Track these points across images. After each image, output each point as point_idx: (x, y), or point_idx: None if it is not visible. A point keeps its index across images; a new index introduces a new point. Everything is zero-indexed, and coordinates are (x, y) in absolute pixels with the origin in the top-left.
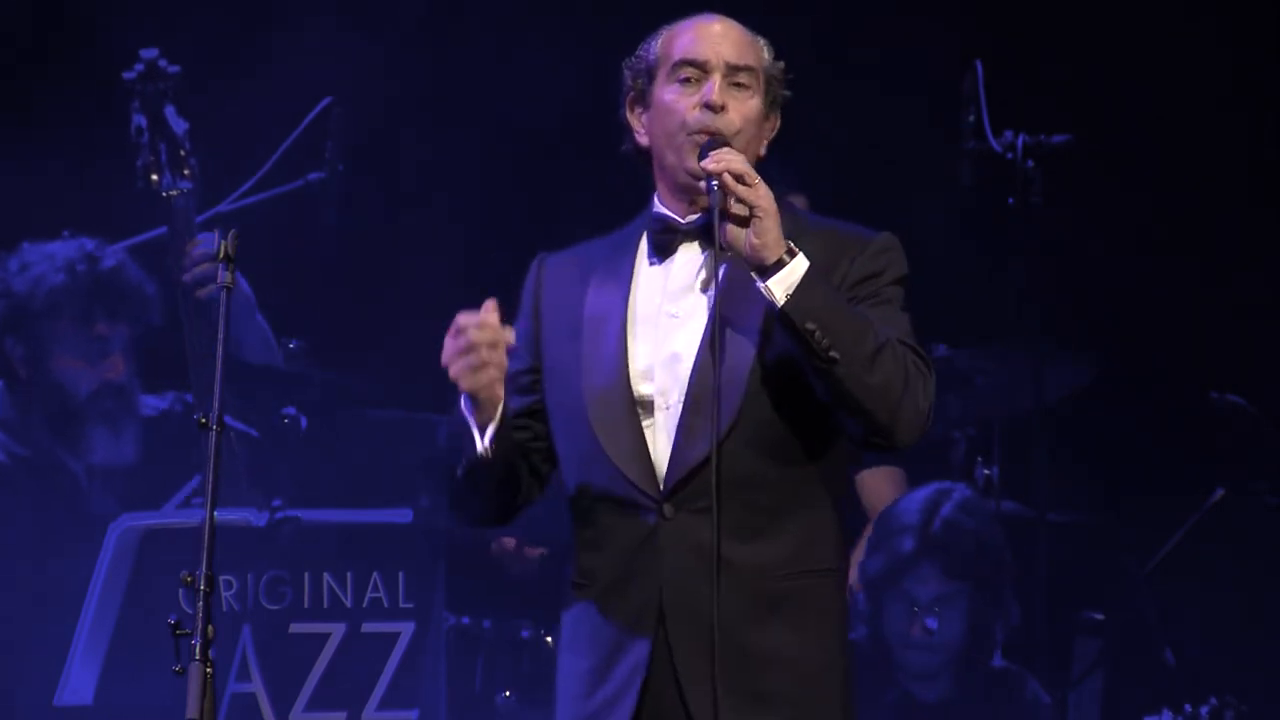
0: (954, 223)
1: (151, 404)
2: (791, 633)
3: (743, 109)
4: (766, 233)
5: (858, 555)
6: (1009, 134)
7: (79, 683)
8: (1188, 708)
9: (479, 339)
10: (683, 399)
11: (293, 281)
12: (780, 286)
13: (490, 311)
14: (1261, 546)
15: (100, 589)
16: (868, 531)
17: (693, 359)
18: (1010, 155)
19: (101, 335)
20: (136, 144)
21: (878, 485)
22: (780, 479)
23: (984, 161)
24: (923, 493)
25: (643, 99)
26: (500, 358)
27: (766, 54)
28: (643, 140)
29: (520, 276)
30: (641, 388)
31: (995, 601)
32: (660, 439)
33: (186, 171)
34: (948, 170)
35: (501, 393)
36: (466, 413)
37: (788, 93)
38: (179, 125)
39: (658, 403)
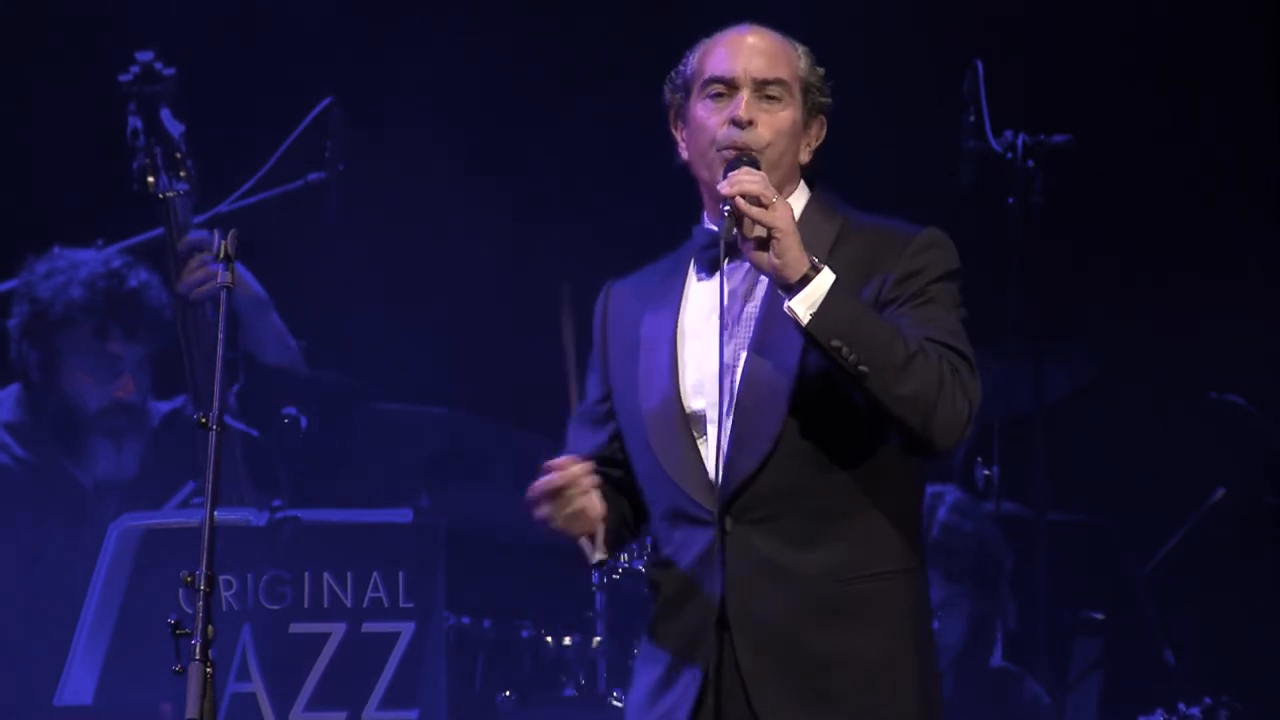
0: (954, 223)
1: (160, 408)
2: (854, 635)
3: (774, 122)
4: (786, 251)
5: None
6: (1009, 134)
7: (79, 683)
8: (1181, 707)
9: (566, 481)
10: (731, 411)
11: (293, 281)
12: (803, 305)
13: (575, 461)
14: (1261, 546)
15: (100, 589)
16: None
17: (741, 371)
18: (1010, 155)
19: (114, 354)
20: (132, 146)
21: None
22: (832, 485)
23: (984, 161)
24: None
25: (682, 115)
26: (589, 497)
27: (803, 62)
28: (684, 155)
29: (522, 276)
30: (693, 403)
31: (995, 601)
32: (714, 452)
33: (183, 173)
34: (948, 170)
35: (597, 516)
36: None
37: (827, 99)
38: (175, 127)
39: (709, 416)
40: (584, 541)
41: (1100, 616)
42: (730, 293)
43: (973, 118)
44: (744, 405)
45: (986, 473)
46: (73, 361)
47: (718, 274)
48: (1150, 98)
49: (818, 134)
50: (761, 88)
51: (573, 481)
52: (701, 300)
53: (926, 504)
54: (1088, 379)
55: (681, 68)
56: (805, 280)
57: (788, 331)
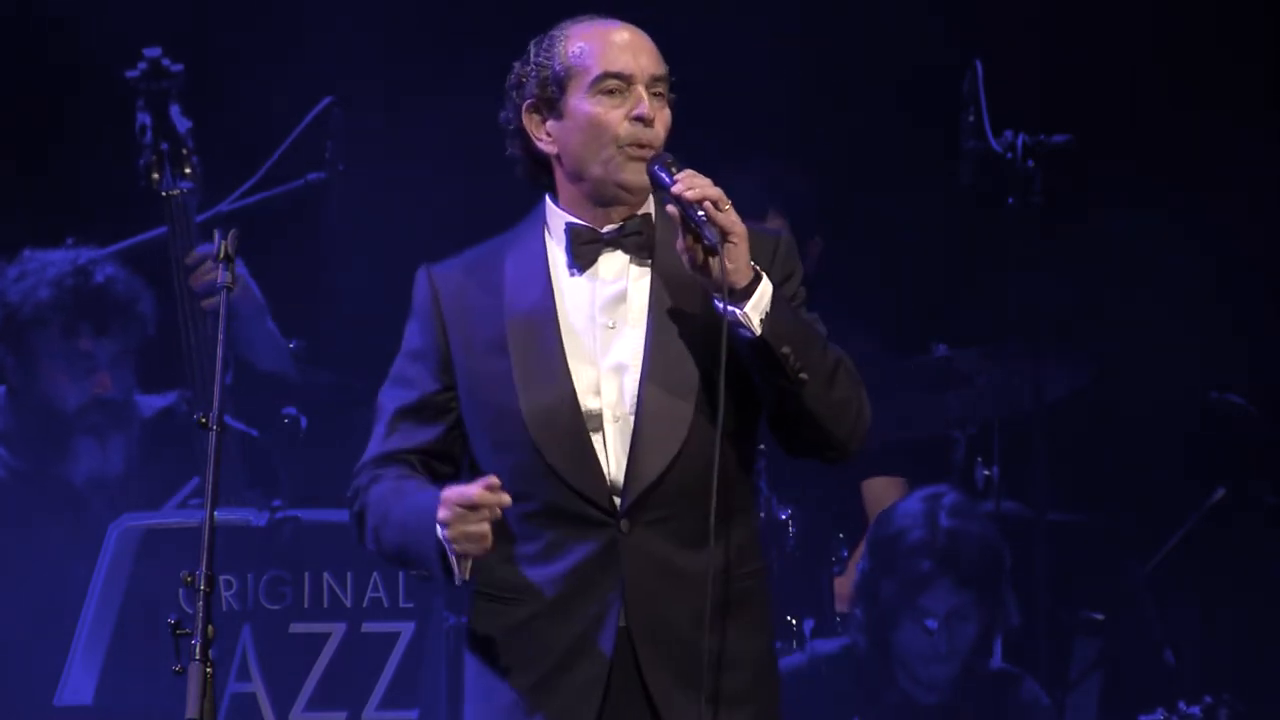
0: (954, 223)
1: (152, 403)
2: (746, 633)
3: (663, 118)
4: (740, 256)
5: (854, 564)
6: (1009, 134)
7: (79, 683)
8: (1182, 705)
9: (490, 515)
10: (634, 411)
11: (293, 281)
12: (756, 312)
13: (498, 487)
14: (1261, 546)
15: (100, 589)
16: (863, 544)
17: (639, 370)
18: (1010, 155)
19: (86, 351)
20: (140, 143)
21: (885, 492)
22: (723, 486)
23: (984, 161)
24: (914, 505)
25: (551, 107)
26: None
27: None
28: (548, 149)
29: None
30: (589, 402)
31: (998, 602)
32: (614, 452)
33: (188, 171)
34: (948, 170)
35: (488, 546)
36: (447, 548)
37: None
38: (182, 124)
39: (606, 416)
40: (461, 561)
41: (1100, 616)
42: (618, 292)
43: (973, 118)
44: (648, 407)
45: (986, 473)
46: (47, 362)
47: (593, 267)
48: (1150, 98)
49: None
50: (654, 84)
51: (490, 505)
52: (579, 294)
53: (926, 509)
54: (1088, 379)
55: (544, 59)
56: (750, 287)
57: (685, 331)
